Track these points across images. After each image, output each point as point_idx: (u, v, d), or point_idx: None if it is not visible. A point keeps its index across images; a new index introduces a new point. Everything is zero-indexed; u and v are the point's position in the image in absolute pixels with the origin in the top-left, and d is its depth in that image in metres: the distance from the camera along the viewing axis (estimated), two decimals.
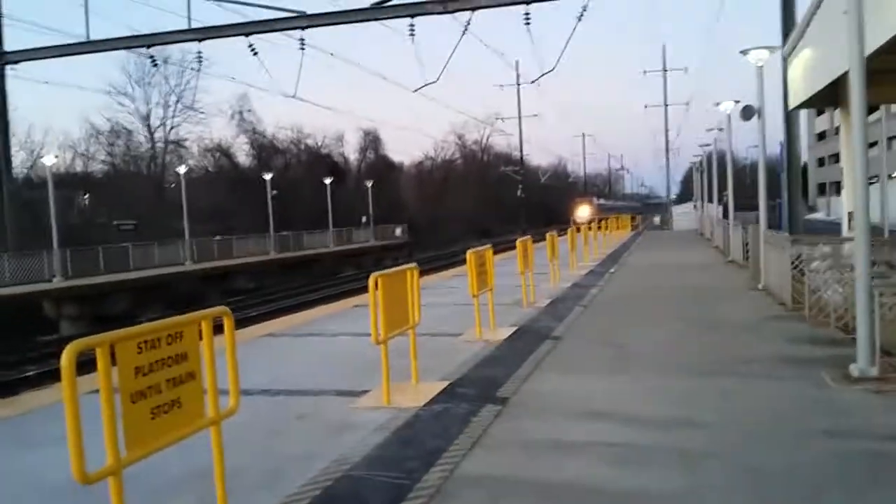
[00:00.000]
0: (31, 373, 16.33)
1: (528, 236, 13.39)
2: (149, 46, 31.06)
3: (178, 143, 64.56)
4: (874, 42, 8.77)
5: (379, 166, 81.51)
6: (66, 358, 3.04)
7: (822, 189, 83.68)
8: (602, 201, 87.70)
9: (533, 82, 40.88)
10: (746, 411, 5.57)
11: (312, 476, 4.46)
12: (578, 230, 22.00)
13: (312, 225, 52.83)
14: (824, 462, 4.44)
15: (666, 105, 64.26)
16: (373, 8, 26.03)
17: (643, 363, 7.54)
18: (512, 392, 6.40)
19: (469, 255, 8.91)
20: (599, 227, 28.93)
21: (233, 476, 4.38)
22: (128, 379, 3.29)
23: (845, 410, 5.46)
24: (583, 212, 72.43)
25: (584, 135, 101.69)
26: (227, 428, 4.98)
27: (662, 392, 6.29)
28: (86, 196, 60.28)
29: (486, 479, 4.40)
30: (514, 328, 9.64)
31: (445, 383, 6.64)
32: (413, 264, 6.87)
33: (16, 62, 31.91)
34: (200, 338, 3.79)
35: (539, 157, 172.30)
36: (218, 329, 4.00)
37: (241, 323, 20.98)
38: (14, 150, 44.28)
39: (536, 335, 9.25)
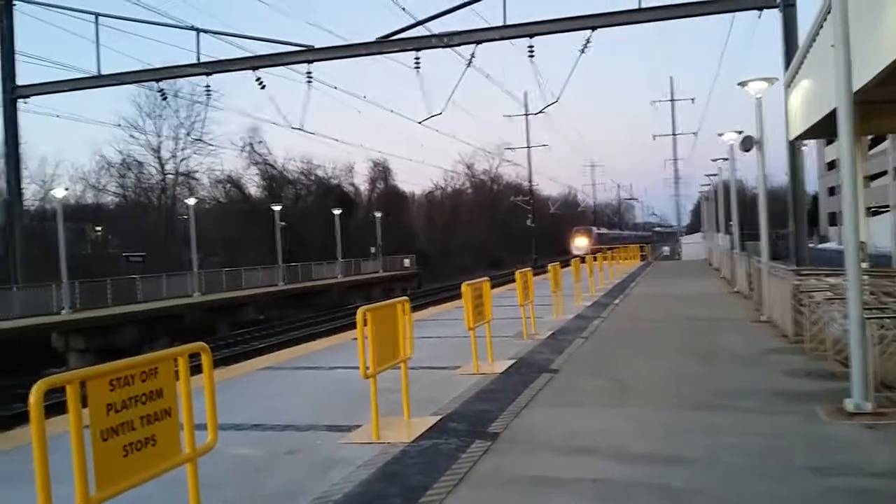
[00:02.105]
0: (24, 409, 16.31)
1: (529, 268, 13.38)
2: (159, 80, 31.64)
3: (189, 175, 65.13)
4: (869, 72, 8.77)
5: (389, 196, 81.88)
6: (35, 396, 3.06)
7: (832, 219, 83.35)
8: (603, 230, 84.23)
9: (537, 114, 41.14)
10: (736, 447, 5.50)
11: None
12: (583, 261, 21.91)
13: (322, 255, 53.02)
14: (810, 500, 4.37)
15: (675, 135, 64.58)
16: (377, 42, 26.36)
17: (638, 397, 7.48)
18: (503, 427, 6.36)
19: (464, 287, 8.89)
20: (600, 259, 28.21)
21: None
22: (99, 416, 3.29)
23: (836, 447, 5.39)
24: (580, 243, 69.60)
25: (592, 164, 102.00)
26: (215, 463, 5.00)
27: (654, 427, 6.23)
28: (98, 228, 60.82)
29: None
30: (513, 361, 9.58)
31: (437, 418, 6.60)
32: (404, 297, 6.86)
33: (28, 96, 32.49)
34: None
35: (549, 186, 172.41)
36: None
37: (247, 355, 21.09)
38: (26, 182, 44.91)
39: (534, 368, 9.20)
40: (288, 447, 5.94)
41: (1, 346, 23.17)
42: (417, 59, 26.33)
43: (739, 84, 13.96)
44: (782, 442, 5.60)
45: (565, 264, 23.94)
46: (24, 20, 64.98)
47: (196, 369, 3.98)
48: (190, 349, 3.96)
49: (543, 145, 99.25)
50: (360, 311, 5.94)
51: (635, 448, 5.60)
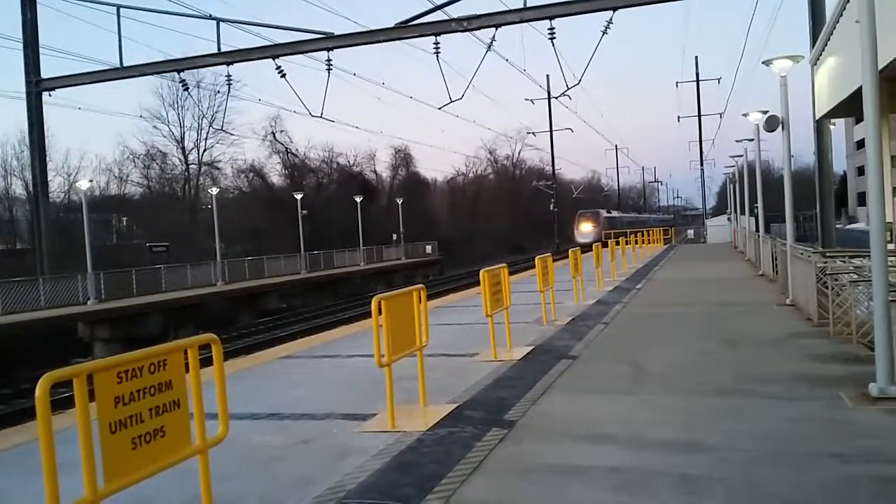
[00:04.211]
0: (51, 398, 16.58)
1: (549, 254, 13.27)
2: (180, 71, 31.73)
3: (212, 165, 65.60)
4: None
5: (411, 183, 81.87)
6: (40, 390, 3.04)
7: (861, 199, 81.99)
8: (614, 214, 74.35)
9: (559, 97, 40.70)
10: (757, 434, 5.39)
11: None
12: (605, 245, 21.67)
13: (345, 243, 53.18)
14: (832, 487, 4.27)
15: (700, 115, 63.59)
16: (397, 27, 26.21)
17: (659, 383, 7.39)
18: (520, 414, 6.30)
19: (483, 274, 8.82)
20: (623, 243, 27.53)
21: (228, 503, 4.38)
22: (106, 409, 3.28)
23: (860, 432, 5.27)
24: (585, 229, 61.54)
25: (616, 147, 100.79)
26: (230, 453, 5.01)
27: (674, 413, 6.14)
28: (123, 219, 61.46)
29: None
30: (531, 347, 9.51)
31: (453, 406, 6.56)
32: (420, 285, 6.81)
33: (52, 89, 32.76)
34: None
35: (572, 171, 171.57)
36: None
37: (270, 343, 21.20)
38: (51, 175, 45.37)
39: (553, 354, 9.12)
40: (304, 436, 5.92)
41: (28, 336, 23.53)
42: (437, 43, 26.13)
43: (764, 63, 13.70)
44: (804, 428, 5.49)
45: (587, 249, 23.78)
46: (47, 13, 65.68)
47: (210, 360, 3.97)
48: (199, 340, 3.95)
49: (566, 129, 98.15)
50: (374, 300, 5.90)
51: (655, 435, 5.52)
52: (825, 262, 10.94)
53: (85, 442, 3.09)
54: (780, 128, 14.21)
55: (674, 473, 4.64)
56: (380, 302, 5.89)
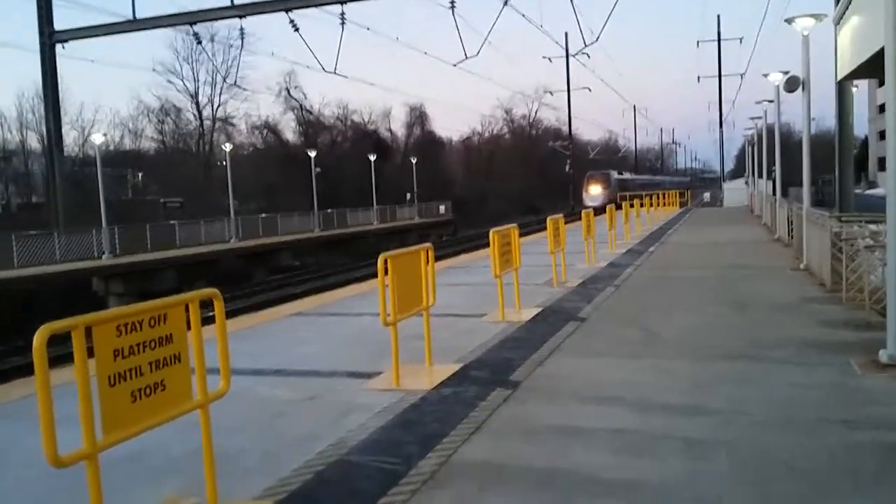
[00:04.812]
0: (55, 354, 16.74)
1: (561, 215, 13.16)
2: (193, 24, 31.46)
3: (226, 121, 65.45)
4: None
5: (425, 142, 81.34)
6: (38, 341, 3.03)
7: (882, 163, 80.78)
8: (626, 175, 70.15)
9: (576, 55, 40.13)
10: (764, 399, 5.35)
11: (309, 459, 4.41)
12: (619, 207, 21.48)
13: (359, 201, 53.10)
14: (836, 454, 4.23)
15: (720, 76, 62.39)
16: None
17: (667, 347, 7.34)
18: (525, 376, 6.29)
19: (492, 234, 8.75)
20: (637, 205, 27.27)
21: (230, 458, 4.39)
22: (105, 362, 3.26)
23: (868, 399, 5.21)
24: (594, 191, 58.27)
25: (634, 108, 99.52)
26: (234, 409, 5.04)
27: (682, 378, 6.09)
28: (138, 174, 61.64)
29: (481, 466, 4.30)
30: (540, 309, 9.47)
31: (458, 366, 6.55)
32: (427, 244, 6.75)
33: (65, 41, 32.59)
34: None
35: (589, 131, 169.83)
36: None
37: (281, 300, 21.29)
38: (66, 128, 45.37)
39: (561, 316, 9.08)
40: (309, 393, 5.93)
41: (43, 290, 23.76)
42: None
43: (786, 21, 13.37)
44: (812, 394, 5.44)
45: (601, 211, 23.62)
46: None
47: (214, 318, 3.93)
48: (201, 295, 3.90)
49: (584, 88, 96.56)
50: (380, 259, 5.86)
51: (661, 399, 5.48)
52: (840, 227, 10.79)
53: (83, 394, 3.09)
54: (800, 89, 13.91)
55: (679, 437, 4.61)
56: (386, 260, 5.85)
